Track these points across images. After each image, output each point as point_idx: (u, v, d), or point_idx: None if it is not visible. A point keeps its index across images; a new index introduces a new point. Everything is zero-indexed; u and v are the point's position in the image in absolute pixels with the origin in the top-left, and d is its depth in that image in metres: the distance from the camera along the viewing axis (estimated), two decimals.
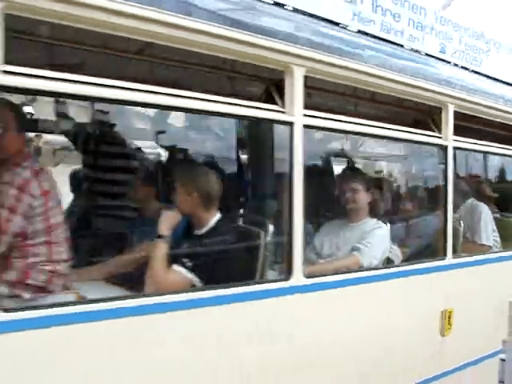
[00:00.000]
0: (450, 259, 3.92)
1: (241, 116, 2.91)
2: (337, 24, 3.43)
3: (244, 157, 3.41)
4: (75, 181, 4.35)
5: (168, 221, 2.74)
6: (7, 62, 2.04)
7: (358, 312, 3.25)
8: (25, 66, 2.09)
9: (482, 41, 4.56)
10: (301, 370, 2.95)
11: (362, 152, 4.04)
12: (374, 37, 3.64)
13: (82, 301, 2.42)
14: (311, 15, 3.29)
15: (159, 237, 2.71)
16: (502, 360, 2.60)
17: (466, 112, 4.10)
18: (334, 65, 3.14)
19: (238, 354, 2.69)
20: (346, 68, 3.20)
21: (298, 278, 2.93)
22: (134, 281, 2.84)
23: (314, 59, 3.03)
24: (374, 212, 3.72)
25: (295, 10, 3.23)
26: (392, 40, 3.78)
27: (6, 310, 2.06)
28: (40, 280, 2.50)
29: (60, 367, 2.14)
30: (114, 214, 3.88)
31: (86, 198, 4.16)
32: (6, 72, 2.04)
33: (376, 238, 3.52)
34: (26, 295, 2.44)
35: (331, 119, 3.14)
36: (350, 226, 3.68)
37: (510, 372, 2.48)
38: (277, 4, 3.16)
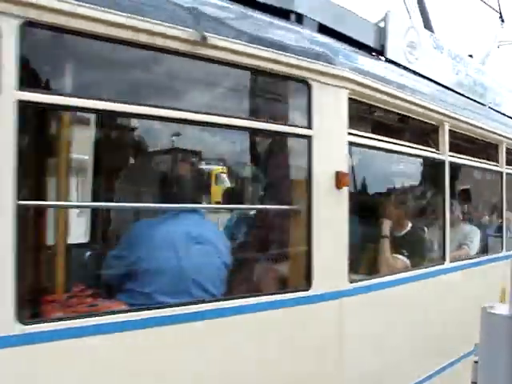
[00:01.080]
0: (504, 252, 5.60)
1: (416, 155, 4.38)
2: (454, 91, 4.97)
3: (414, 183, 4.89)
4: None
5: (387, 226, 4.12)
6: (351, 127, 3.36)
7: (473, 285, 4.81)
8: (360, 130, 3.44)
9: None
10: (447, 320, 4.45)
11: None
12: (470, 98, 5.24)
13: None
14: (440, 84, 4.80)
15: (383, 236, 4.08)
16: (475, 362, 2.65)
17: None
18: (463, 121, 4.68)
19: (425, 309, 4.15)
20: (469, 123, 4.77)
21: (448, 262, 4.44)
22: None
23: (455, 118, 4.56)
24: (465, 219, 5.33)
25: (430, 80, 4.71)
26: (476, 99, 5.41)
27: (351, 282, 3.37)
28: None
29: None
30: None
31: None
32: (350, 134, 3.36)
33: (475, 237, 5.13)
34: None
35: (465, 158, 4.70)
36: (451, 229, 5.21)
37: (483, 373, 2.50)
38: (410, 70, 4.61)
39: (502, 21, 7.21)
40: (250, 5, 3.07)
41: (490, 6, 7.30)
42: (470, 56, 6.42)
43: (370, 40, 4.03)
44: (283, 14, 3.31)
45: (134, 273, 2.60)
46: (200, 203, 2.88)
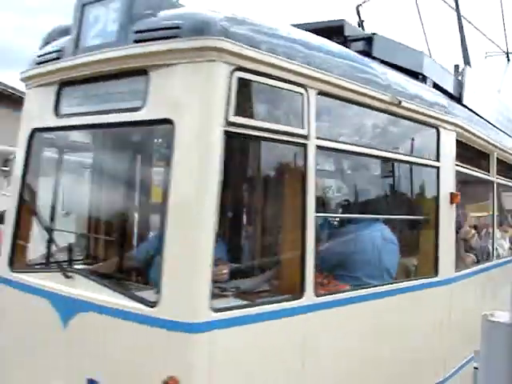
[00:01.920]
0: None
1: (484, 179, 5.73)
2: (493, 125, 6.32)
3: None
4: None
5: (463, 231, 5.41)
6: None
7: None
8: None
9: None
10: None
11: None
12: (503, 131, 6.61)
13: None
14: (488, 121, 6.12)
15: (462, 239, 5.36)
16: (475, 368, 2.68)
17: None
18: (505, 151, 6.07)
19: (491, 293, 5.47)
20: (508, 152, 6.15)
21: (494, 260, 5.80)
22: None
23: (501, 148, 5.92)
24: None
25: (484, 119, 6.03)
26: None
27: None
28: None
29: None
30: None
31: None
32: (456, 165, 4.60)
33: (506, 242, 6.52)
34: None
35: (505, 179, 6.09)
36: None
37: (482, 380, 2.53)
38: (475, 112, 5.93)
39: (508, 60, 8.68)
40: (394, 67, 4.26)
41: (498, 46, 8.78)
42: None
43: (451, 89, 5.29)
44: (412, 74, 4.51)
45: (345, 262, 3.74)
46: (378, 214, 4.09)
